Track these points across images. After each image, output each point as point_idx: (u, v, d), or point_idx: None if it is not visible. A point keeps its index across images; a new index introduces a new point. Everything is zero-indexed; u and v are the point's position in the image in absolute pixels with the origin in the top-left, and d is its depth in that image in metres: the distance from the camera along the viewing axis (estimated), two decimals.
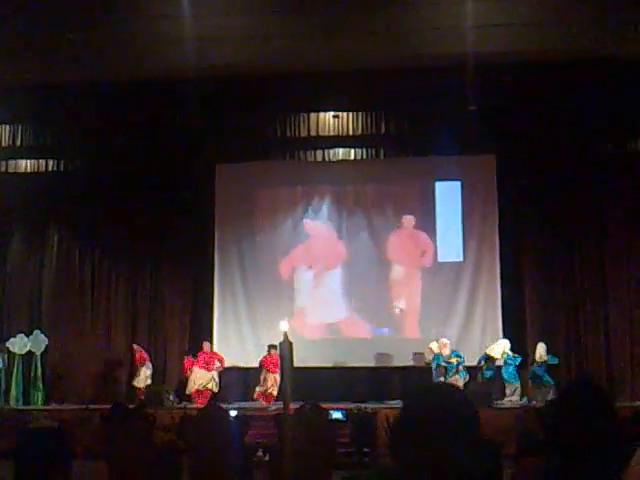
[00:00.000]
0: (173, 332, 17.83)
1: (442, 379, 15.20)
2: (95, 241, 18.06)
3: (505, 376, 15.70)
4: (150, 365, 16.96)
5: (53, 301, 17.90)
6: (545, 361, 15.54)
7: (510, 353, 15.74)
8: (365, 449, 12.46)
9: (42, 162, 16.45)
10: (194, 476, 8.75)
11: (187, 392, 16.53)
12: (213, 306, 17.56)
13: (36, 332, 17.27)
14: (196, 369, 16.50)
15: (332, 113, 14.82)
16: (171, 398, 16.29)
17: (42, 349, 17.22)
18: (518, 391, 15.62)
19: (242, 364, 17.05)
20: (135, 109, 14.51)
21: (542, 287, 16.90)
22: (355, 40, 12.71)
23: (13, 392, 16.83)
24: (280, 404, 15.14)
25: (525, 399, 15.44)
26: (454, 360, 15.63)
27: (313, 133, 14.92)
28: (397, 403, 14.59)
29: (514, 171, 16.74)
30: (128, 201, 17.56)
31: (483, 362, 15.89)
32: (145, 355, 16.99)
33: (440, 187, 17.37)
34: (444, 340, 15.91)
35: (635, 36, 12.22)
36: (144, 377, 16.79)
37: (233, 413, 11.05)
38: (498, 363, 15.86)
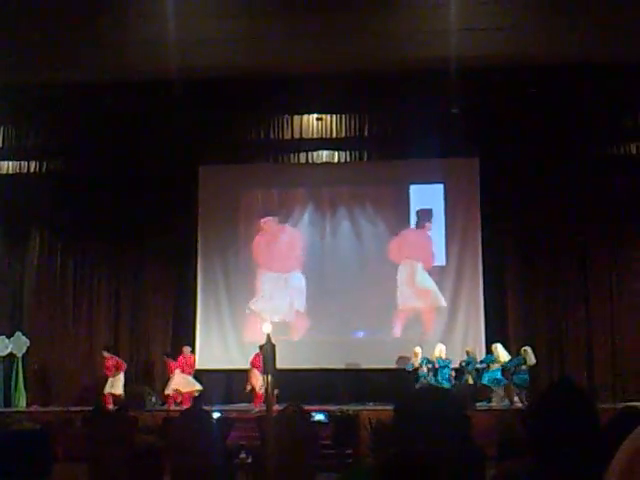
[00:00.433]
0: (155, 334, 17.77)
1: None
2: (77, 243, 17.96)
3: (439, 379, 15.76)
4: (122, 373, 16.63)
5: (35, 303, 17.80)
6: (505, 362, 15.62)
7: (443, 356, 15.82)
8: (347, 450, 12.47)
9: (24, 164, 16.36)
10: (176, 478, 8.73)
11: (165, 393, 16.46)
12: (196, 308, 17.51)
13: (17, 334, 17.16)
14: (177, 372, 16.47)
15: (316, 116, 14.84)
16: (153, 400, 16.23)
17: (23, 351, 17.12)
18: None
19: (225, 366, 17.02)
20: (118, 111, 14.47)
21: (525, 291, 16.97)
22: (339, 43, 12.74)
23: None
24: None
25: (507, 401, 15.49)
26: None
27: (297, 135, 14.95)
28: (379, 405, 14.62)
29: (497, 174, 16.79)
30: (110, 203, 17.47)
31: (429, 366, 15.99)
32: (120, 362, 16.63)
33: (422, 190, 17.40)
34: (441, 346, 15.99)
35: (619, 40, 12.32)
36: (117, 384, 16.49)
37: (216, 415, 11.04)
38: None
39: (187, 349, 16.81)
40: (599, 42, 12.43)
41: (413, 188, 17.38)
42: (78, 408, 14.86)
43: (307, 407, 10.57)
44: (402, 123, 14.65)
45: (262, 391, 15.79)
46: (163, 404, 16.27)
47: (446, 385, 15.26)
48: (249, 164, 17.06)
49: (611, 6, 12.16)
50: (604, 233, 16.67)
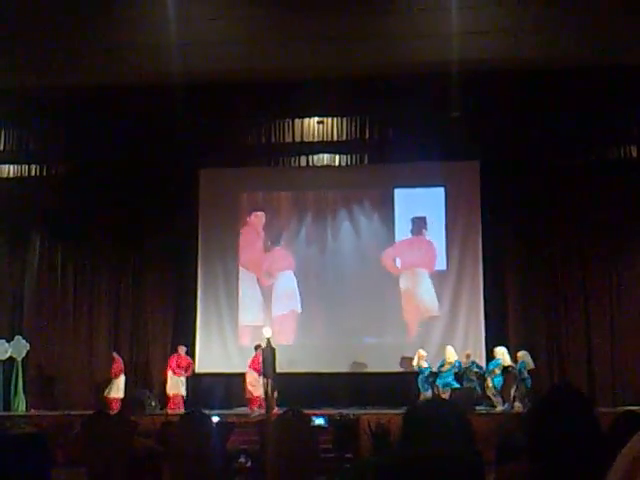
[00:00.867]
0: (155, 338, 17.74)
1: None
2: (77, 247, 17.96)
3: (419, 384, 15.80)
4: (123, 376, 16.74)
5: (35, 307, 17.78)
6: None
7: (423, 362, 15.87)
8: (347, 455, 12.44)
9: (25, 167, 16.34)
10: None
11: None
12: (196, 312, 17.50)
13: (17, 337, 17.13)
14: (169, 373, 16.52)
15: (317, 119, 14.83)
16: (153, 404, 16.22)
17: (23, 355, 17.09)
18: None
19: (225, 370, 17.00)
20: (119, 114, 14.46)
21: (525, 296, 16.94)
22: (340, 46, 12.73)
23: None
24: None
25: (507, 405, 15.45)
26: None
27: (298, 139, 14.92)
28: (379, 408, 14.63)
29: (498, 178, 16.78)
30: (111, 206, 17.47)
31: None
32: (122, 366, 16.78)
33: (423, 194, 17.39)
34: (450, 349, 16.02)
35: (619, 44, 12.30)
36: (121, 387, 16.56)
37: (215, 419, 11.01)
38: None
39: (182, 349, 16.81)
40: (603, 45, 12.41)
41: (414, 191, 17.37)
42: (77, 412, 14.83)
43: (307, 411, 10.56)
44: (403, 126, 14.63)
45: (257, 394, 15.83)
46: (162, 408, 16.26)
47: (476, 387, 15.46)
48: (250, 167, 17.06)
49: (611, 9, 12.16)
50: (605, 237, 16.64)
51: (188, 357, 16.86)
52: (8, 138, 15.14)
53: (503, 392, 15.61)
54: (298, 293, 17.35)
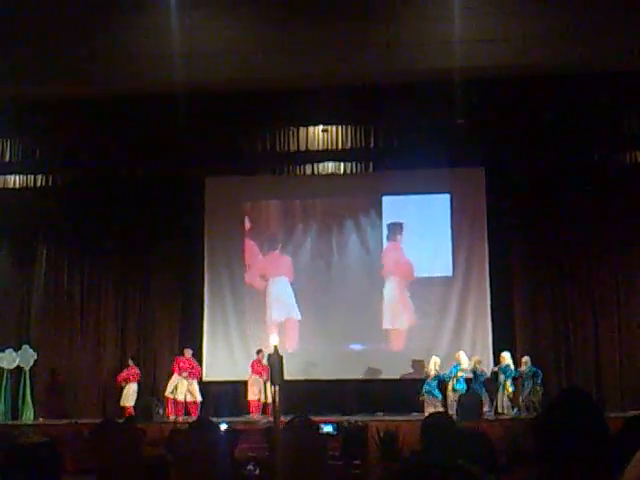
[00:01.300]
0: (163, 346, 17.76)
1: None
2: (84, 256, 18.01)
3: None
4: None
5: (42, 316, 17.82)
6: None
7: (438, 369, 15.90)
8: (355, 461, 12.44)
9: (31, 177, 16.38)
10: None
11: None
12: (203, 320, 17.53)
13: (25, 347, 17.17)
14: (174, 376, 16.56)
15: (321, 127, 14.84)
16: (160, 412, 16.23)
17: (31, 364, 17.13)
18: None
19: (232, 377, 17.00)
20: (124, 123, 14.50)
21: (532, 301, 16.93)
22: (345, 55, 12.75)
23: (1, 407, 16.71)
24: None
25: (516, 410, 15.45)
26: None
27: (302, 147, 14.94)
28: (387, 415, 14.64)
29: (503, 184, 16.80)
30: (117, 215, 17.53)
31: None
32: (137, 372, 16.88)
33: (428, 200, 17.41)
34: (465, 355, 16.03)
35: (625, 50, 12.32)
36: (132, 395, 16.64)
37: (223, 426, 11.02)
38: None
39: (188, 352, 16.80)
40: (606, 51, 12.43)
41: (419, 198, 17.40)
42: (86, 420, 14.86)
43: (315, 418, 10.58)
44: (408, 134, 14.63)
45: (255, 397, 15.90)
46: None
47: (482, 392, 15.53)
48: (255, 176, 17.09)
49: (616, 15, 12.18)
50: (612, 242, 16.63)
51: (193, 360, 16.87)
52: (14, 149, 15.17)
53: (513, 398, 15.60)
54: (294, 300, 17.36)
